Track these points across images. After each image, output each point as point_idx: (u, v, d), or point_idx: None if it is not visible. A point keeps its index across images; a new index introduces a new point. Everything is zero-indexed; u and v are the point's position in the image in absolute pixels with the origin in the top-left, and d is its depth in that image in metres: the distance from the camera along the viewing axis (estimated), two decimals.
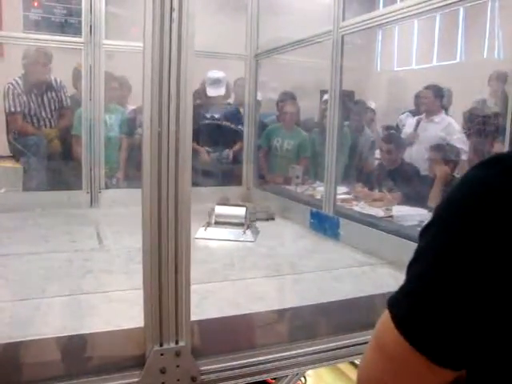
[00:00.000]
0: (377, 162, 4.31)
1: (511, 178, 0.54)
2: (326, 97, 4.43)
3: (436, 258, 0.58)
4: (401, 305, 0.61)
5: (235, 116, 4.12)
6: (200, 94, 4.09)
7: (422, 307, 0.58)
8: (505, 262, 0.52)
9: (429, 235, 0.60)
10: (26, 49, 3.70)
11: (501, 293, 0.53)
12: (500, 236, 0.52)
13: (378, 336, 0.65)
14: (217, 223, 2.69)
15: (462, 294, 0.55)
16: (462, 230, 0.55)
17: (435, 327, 0.56)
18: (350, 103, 4.19)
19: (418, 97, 5.02)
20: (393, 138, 4.13)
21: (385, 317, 0.62)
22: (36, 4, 3.97)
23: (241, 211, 2.74)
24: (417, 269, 0.60)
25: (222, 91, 4.08)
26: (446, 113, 4.30)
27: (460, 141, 3.90)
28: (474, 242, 0.54)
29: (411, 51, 7.60)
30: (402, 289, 0.62)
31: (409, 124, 4.48)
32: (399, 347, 0.59)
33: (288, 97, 4.45)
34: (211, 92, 4.02)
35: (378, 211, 3.10)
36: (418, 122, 4.27)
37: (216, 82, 4.01)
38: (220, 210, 2.77)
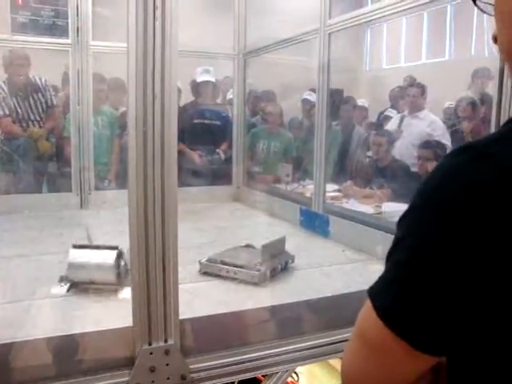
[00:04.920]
0: (367, 160, 4.32)
1: (480, 163, 0.55)
2: (305, 95, 4.47)
3: (414, 247, 0.59)
4: (381, 293, 0.62)
5: (223, 115, 4.13)
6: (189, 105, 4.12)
7: (401, 294, 0.59)
8: (479, 245, 0.54)
9: (405, 225, 0.62)
10: (3, 52, 3.67)
11: (478, 276, 0.54)
12: (472, 221, 0.54)
13: (360, 325, 0.66)
14: None
15: (441, 280, 0.56)
16: (435, 218, 0.57)
17: (415, 313, 0.58)
18: (338, 101, 4.21)
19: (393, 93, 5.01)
20: (385, 132, 4.18)
21: (366, 306, 0.63)
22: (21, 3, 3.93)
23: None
24: (396, 258, 0.62)
25: (212, 78, 4.10)
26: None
27: (445, 137, 3.96)
28: (448, 228, 0.55)
29: (400, 49, 7.66)
30: (382, 278, 0.63)
31: (392, 121, 4.52)
32: (381, 335, 0.60)
33: (269, 97, 4.47)
34: (202, 78, 4.03)
35: (367, 208, 3.12)
36: (402, 118, 4.30)
37: (206, 71, 4.04)
38: None
